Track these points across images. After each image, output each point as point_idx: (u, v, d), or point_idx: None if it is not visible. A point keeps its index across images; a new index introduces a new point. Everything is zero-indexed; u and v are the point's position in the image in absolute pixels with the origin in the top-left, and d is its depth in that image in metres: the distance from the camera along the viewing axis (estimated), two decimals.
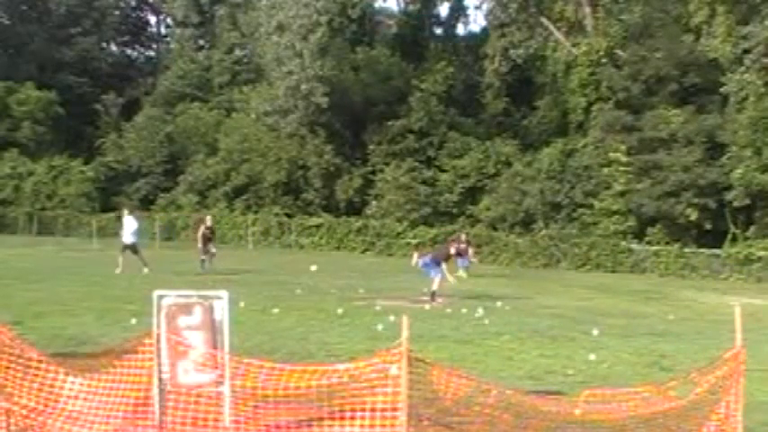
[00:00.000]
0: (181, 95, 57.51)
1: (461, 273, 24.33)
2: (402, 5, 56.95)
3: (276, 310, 17.06)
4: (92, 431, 7.41)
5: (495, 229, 40.72)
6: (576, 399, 7.70)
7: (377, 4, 58.35)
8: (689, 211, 35.80)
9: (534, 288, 25.77)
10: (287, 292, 21.13)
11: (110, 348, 8.07)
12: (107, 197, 52.16)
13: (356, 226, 42.96)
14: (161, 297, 7.14)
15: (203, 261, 26.52)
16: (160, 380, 7.12)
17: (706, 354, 11.58)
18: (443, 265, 20.66)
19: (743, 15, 37.34)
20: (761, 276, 32.20)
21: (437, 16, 56.10)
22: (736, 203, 35.24)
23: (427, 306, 19.01)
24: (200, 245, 27.24)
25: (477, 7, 73.10)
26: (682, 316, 19.77)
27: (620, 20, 43.23)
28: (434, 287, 20.17)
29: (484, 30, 53.48)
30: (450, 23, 56.23)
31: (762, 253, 32.85)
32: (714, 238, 35.68)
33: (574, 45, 43.75)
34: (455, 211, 43.88)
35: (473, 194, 43.86)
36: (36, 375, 7.62)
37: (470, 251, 26.70)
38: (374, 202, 45.67)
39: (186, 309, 7.12)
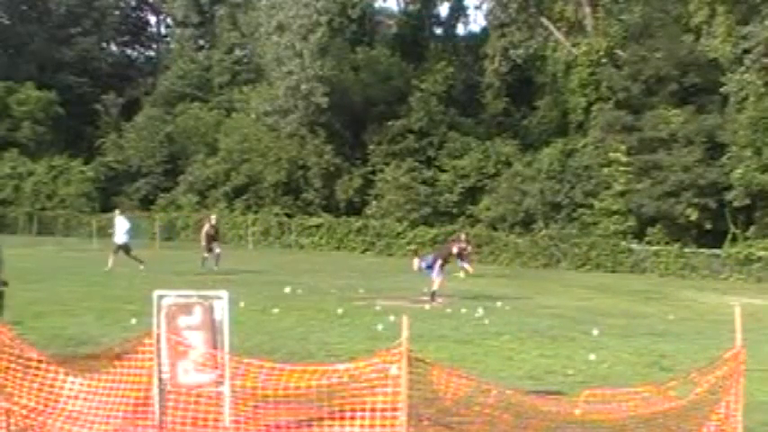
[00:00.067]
0: (181, 95, 57.53)
1: (461, 273, 24.34)
2: (402, 5, 57.00)
3: (276, 310, 17.06)
4: (92, 431, 7.41)
5: (495, 229, 40.72)
6: (576, 399, 7.70)
7: (377, 4, 58.44)
8: (689, 211, 35.81)
9: (534, 288, 25.77)
10: (287, 291, 21.12)
11: (110, 348, 8.06)
12: (107, 197, 52.17)
13: (356, 226, 42.96)
14: (161, 297, 7.14)
15: (205, 259, 26.43)
16: (160, 380, 7.12)
17: (706, 354, 11.58)
18: (444, 266, 20.69)
19: (743, 15, 37.35)
20: (761, 276, 32.20)
21: (437, 16, 56.13)
22: (736, 203, 35.24)
23: (427, 306, 19.01)
24: (203, 243, 27.18)
25: (477, 7, 73.11)
26: (682, 316, 19.77)
27: (620, 20, 43.25)
28: (435, 287, 20.17)
29: (484, 30, 53.49)
30: (450, 23, 56.24)
31: (762, 253, 32.86)
32: (714, 238, 35.68)
33: (574, 45, 43.76)
34: (455, 211, 43.89)
35: (473, 194, 43.87)
36: (36, 375, 7.62)
37: (469, 248, 26.64)
38: (374, 202, 45.67)
39: (186, 309, 7.11)
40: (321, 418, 7.08)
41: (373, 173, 46.60)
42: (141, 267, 24.56)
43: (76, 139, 57.13)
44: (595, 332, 15.46)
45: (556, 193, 40.01)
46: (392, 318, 15.10)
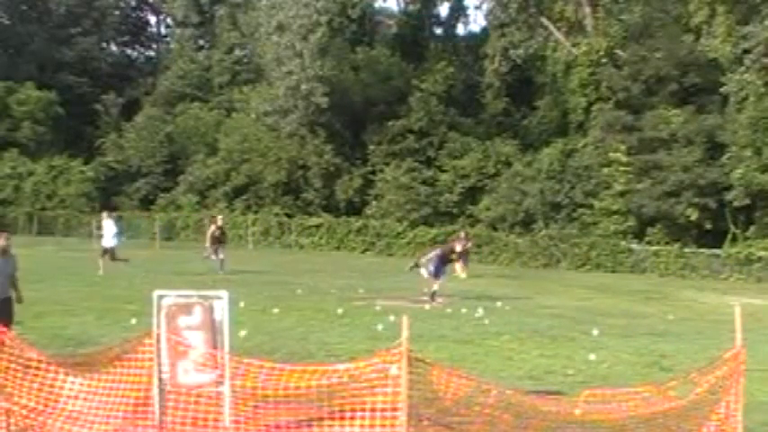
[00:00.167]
0: (181, 95, 57.53)
1: (462, 273, 24.34)
2: (402, 5, 57.01)
3: (276, 310, 17.07)
4: (92, 431, 7.41)
5: (495, 229, 40.71)
6: (576, 399, 7.70)
7: (377, 4, 58.46)
8: (689, 211, 35.80)
9: (534, 288, 25.77)
10: (287, 291, 21.14)
11: (110, 348, 8.06)
12: (107, 197, 52.14)
13: (356, 226, 42.96)
14: (161, 297, 7.14)
15: (219, 260, 26.19)
16: (160, 380, 7.12)
17: (706, 354, 11.59)
18: (445, 265, 20.72)
19: (743, 15, 37.36)
20: (761, 276, 32.19)
21: (437, 16, 56.13)
22: (736, 203, 35.24)
23: (427, 306, 19.01)
24: (207, 243, 27.02)
25: (477, 7, 73.27)
26: (682, 316, 19.77)
27: (620, 20, 43.25)
28: (435, 287, 20.18)
29: (484, 30, 53.50)
30: (450, 23, 56.25)
31: (762, 253, 32.85)
32: (714, 238, 35.68)
33: (574, 45, 43.76)
34: (455, 211, 43.88)
35: (473, 194, 43.86)
36: (36, 375, 7.62)
37: (469, 244, 26.62)
38: (374, 202, 45.67)
39: (186, 309, 7.12)
40: (321, 418, 7.09)
41: (373, 173, 46.60)
42: (126, 262, 24.55)
43: (76, 139, 57.13)
44: (595, 332, 15.47)
45: (556, 193, 40.00)
46: (392, 318, 15.10)
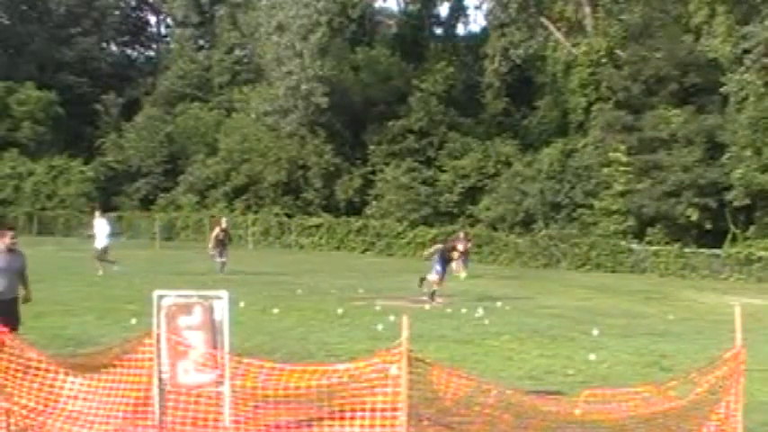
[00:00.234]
0: (181, 95, 57.54)
1: (462, 274, 24.35)
2: (402, 5, 57.02)
3: (276, 310, 17.06)
4: (92, 431, 7.41)
5: (495, 229, 40.72)
6: (576, 399, 7.70)
7: (377, 4, 58.51)
8: (689, 211, 35.80)
9: (534, 288, 25.77)
10: (287, 292, 21.14)
11: (110, 348, 8.06)
12: (107, 197, 52.14)
13: (356, 226, 42.96)
14: (161, 297, 7.14)
15: (214, 258, 26.05)
16: (160, 380, 7.12)
17: (706, 354, 11.59)
18: (447, 264, 20.74)
19: (743, 15, 37.36)
20: (761, 276, 32.20)
21: (437, 16, 56.16)
22: (736, 203, 35.24)
23: (427, 306, 19.01)
24: (210, 244, 26.95)
25: (477, 7, 73.35)
26: (682, 316, 19.76)
27: (620, 20, 43.24)
28: (434, 287, 20.19)
29: (484, 30, 53.53)
30: (450, 23, 56.27)
31: (762, 253, 32.86)
32: (714, 238, 35.68)
33: (574, 45, 43.76)
34: (455, 211, 43.89)
35: (473, 194, 43.87)
36: (36, 375, 7.62)
37: (469, 245, 26.65)
38: (374, 202, 45.67)
39: (186, 309, 7.11)
40: (321, 418, 7.08)
41: (373, 173, 46.61)
42: (115, 268, 24.03)
43: (76, 139, 57.12)
44: (595, 332, 15.46)
45: (556, 193, 40.01)
46: (392, 318, 15.10)
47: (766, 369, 11.40)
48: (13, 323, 9.67)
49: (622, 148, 37.93)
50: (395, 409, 6.46)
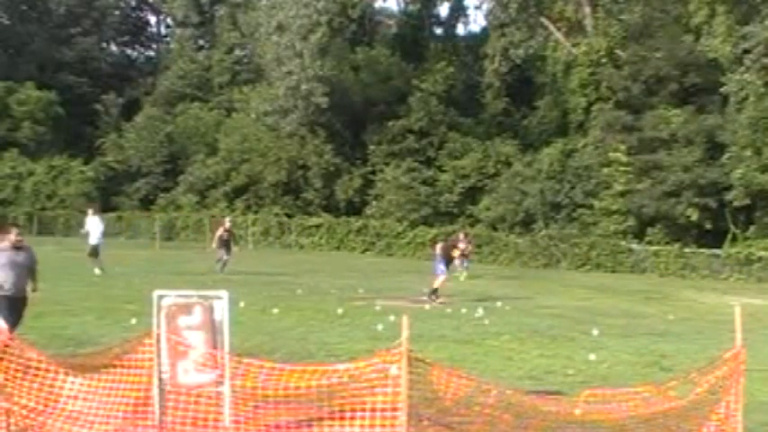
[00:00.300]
0: (181, 95, 57.55)
1: (462, 275, 24.36)
2: (402, 5, 57.05)
3: (276, 310, 17.06)
4: (92, 431, 7.41)
5: (495, 229, 40.73)
6: (576, 399, 7.70)
7: (377, 4, 58.51)
8: (689, 211, 35.81)
9: (534, 288, 25.77)
10: (287, 292, 21.14)
11: (110, 348, 8.06)
12: (107, 197, 52.18)
13: (356, 226, 42.97)
14: (161, 297, 7.14)
15: (223, 261, 26.04)
16: (160, 380, 7.12)
17: (706, 354, 11.58)
18: (448, 264, 20.78)
19: (743, 15, 37.37)
20: (761, 276, 32.20)
21: (437, 16, 56.18)
22: (736, 203, 35.25)
23: (427, 306, 19.01)
24: (214, 245, 26.88)
25: (477, 7, 73.31)
26: (682, 316, 19.76)
27: (620, 20, 43.26)
28: (436, 285, 20.21)
29: (484, 30, 53.54)
30: (450, 23, 56.29)
31: (762, 253, 32.86)
32: (714, 238, 35.68)
33: (574, 45, 43.77)
34: (455, 211, 43.90)
35: (473, 194, 43.88)
36: (36, 375, 7.62)
37: (470, 247, 26.68)
38: (374, 202, 45.67)
39: (186, 309, 7.11)
40: (321, 418, 7.08)
41: (373, 173, 46.61)
42: (97, 271, 23.63)
43: (76, 139, 57.14)
44: (595, 332, 15.46)
45: (556, 193, 40.01)
46: (392, 318, 15.10)
47: (766, 369, 11.39)
48: (17, 318, 9.70)
49: (622, 148, 37.94)
50: (395, 409, 6.46)
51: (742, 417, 7.31)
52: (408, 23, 54.36)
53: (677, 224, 36.40)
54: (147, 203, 51.86)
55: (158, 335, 7.09)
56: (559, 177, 40.34)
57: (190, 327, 7.07)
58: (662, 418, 7.36)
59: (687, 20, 40.03)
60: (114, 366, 7.46)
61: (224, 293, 7.17)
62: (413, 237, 40.72)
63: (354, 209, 46.37)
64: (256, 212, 47.18)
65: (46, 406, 7.58)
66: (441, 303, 19.48)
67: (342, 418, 6.80)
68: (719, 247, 34.77)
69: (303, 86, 45.09)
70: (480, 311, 17.84)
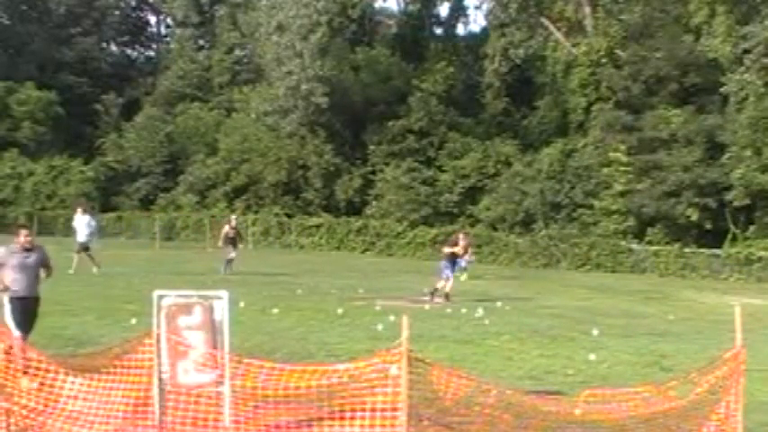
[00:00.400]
0: (181, 95, 57.55)
1: (462, 274, 24.37)
2: (402, 5, 57.02)
3: (276, 310, 17.06)
4: (92, 431, 7.41)
5: (495, 229, 40.71)
6: (576, 399, 7.70)
7: (377, 4, 58.47)
8: (689, 211, 35.79)
9: (534, 288, 25.77)
10: (287, 292, 21.14)
11: (110, 348, 8.06)
12: (107, 197, 52.18)
13: (356, 226, 42.95)
14: (161, 297, 7.14)
15: (229, 261, 25.96)
16: (160, 380, 7.12)
17: (706, 354, 11.59)
18: (453, 264, 20.82)
19: (743, 15, 37.37)
20: (761, 276, 32.19)
21: (437, 16, 56.17)
22: (736, 203, 35.23)
23: (427, 306, 19.02)
24: (220, 243, 26.85)
25: (477, 7, 73.38)
26: (682, 316, 19.76)
27: (620, 20, 43.25)
28: (438, 285, 20.23)
29: (484, 30, 53.53)
30: (450, 23, 56.27)
31: (762, 253, 32.85)
32: (714, 238, 35.67)
33: (574, 45, 43.76)
34: (455, 211, 43.88)
35: (473, 194, 43.86)
36: (36, 375, 7.62)
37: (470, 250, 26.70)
38: (374, 202, 45.66)
39: (186, 309, 7.11)
40: (321, 418, 7.09)
41: (373, 173, 46.60)
42: (71, 271, 23.36)
43: (76, 139, 57.13)
44: (595, 332, 15.46)
45: (556, 193, 40.00)
46: (392, 318, 15.10)
47: (766, 369, 11.40)
48: (30, 323, 9.65)
49: (622, 148, 37.93)
50: (395, 409, 6.46)
51: (742, 417, 7.32)
52: (408, 23, 54.35)
53: (677, 224, 36.39)
54: (147, 203, 51.86)
55: (158, 335, 7.09)
56: (559, 177, 40.32)
57: (190, 327, 7.08)
58: (662, 418, 7.36)
59: (687, 20, 40.02)
60: (114, 366, 7.47)
61: (224, 293, 7.18)
62: (413, 237, 40.72)
63: (354, 209, 46.36)
64: (256, 212, 47.18)
65: (46, 406, 7.59)
66: (437, 303, 19.50)
67: (342, 418, 6.81)
68: (719, 247, 34.75)
69: (303, 86, 45.08)
70: (480, 311, 17.84)
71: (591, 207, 38.90)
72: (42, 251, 10.04)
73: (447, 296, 20.11)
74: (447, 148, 45.60)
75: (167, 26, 70.81)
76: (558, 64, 44.95)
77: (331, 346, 13.11)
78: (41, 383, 7.63)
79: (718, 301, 23.14)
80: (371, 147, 46.78)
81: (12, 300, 9.53)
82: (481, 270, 30.24)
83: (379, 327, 14.46)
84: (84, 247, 24.86)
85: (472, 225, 41.14)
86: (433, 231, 39.91)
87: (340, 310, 17.28)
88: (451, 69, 48.24)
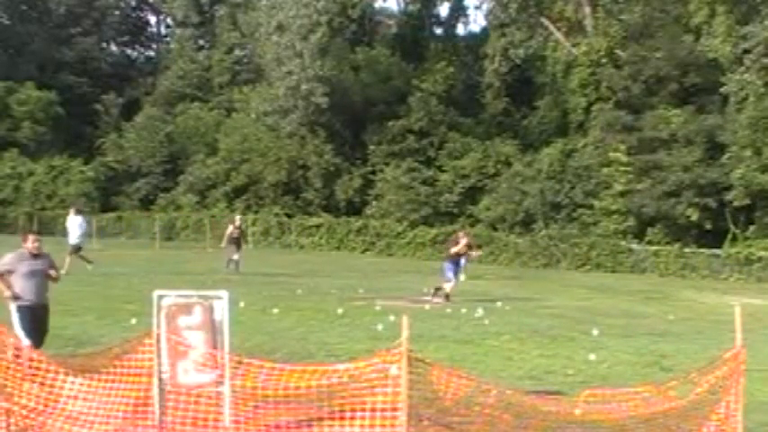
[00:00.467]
0: (181, 95, 57.55)
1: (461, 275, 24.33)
2: (402, 5, 57.01)
3: (276, 310, 17.06)
4: (92, 431, 7.41)
5: (495, 229, 40.70)
6: (576, 399, 7.70)
7: (377, 4, 58.46)
8: (689, 211, 35.79)
9: (534, 288, 25.77)
10: (287, 292, 21.14)
11: (110, 348, 8.06)
12: (107, 197, 52.18)
13: (356, 226, 42.95)
14: (161, 297, 7.14)
15: (234, 261, 25.87)
16: (160, 380, 7.12)
17: (706, 354, 11.59)
18: (457, 264, 20.83)
19: (743, 15, 37.37)
20: (761, 276, 32.18)
21: (437, 16, 56.15)
22: (736, 203, 35.23)
23: (427, 306, 19.02)
24: (223, 243, 26.83)
25: (477, 7, 73.35)
26: (682, 316, 19.76)
27: (620, 20, 43.24)
28: (444, 285, 20.24)
29: (484, 30, 53.53)
30: (450, 23, 56.26)
31: (762, 253, 32.85)
32: (714, 238, 35.66)
33: (574, 45, 43.76)
34: (455, 211, 43.86)
35: (473, 194, 43.85)
36: (36, 375, 7.62)
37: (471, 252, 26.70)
38: (374, 202, 45.66)
39: (186, 309, 7.11)
40: (321, 418, 7.09)
41: (373, 173, 46.59)
42: (62, 271, 23.53)
43: (76, 139, 57.13)
44: (595, 332, 15.46)
45: (556, 193, 39.99)
46: (392, 318, 15.10)
47: (766, 369, 11.40)
48: (41, 332, 9.52)
49: (622, 148, 37.92)
50: (395, 409, 6.46)
51: (742, 417, 7.31)
52: (408, 23, 54.34)
53: (677, 224, 36.39)
54: (147, 203, 51.85)
55: (158, 335, 7.09)
56: (559, 177, 40.32)
57: (190, 327, 7.08)
58: (662, 418, 7.36)
59: (687, 20, 40.02)
60: (114, 366, 7.46)
61: (224, 293, 7.18)
62: (413, 237, 40.72)
63: (354, 209, 46.36)
64: (256, 212, 47.17)
65: (46, 406, 7.59)
66: (436, 303, 19.50)
67: (342, 418, 6.81)
68: (719, 247, 34.75)
69: (303, 86, 45.08)
70: (480, 311, 17.84)
71: (591, 207, 38.90)
72: (49, 258, 9.97)
73: (447, 296, 20.13)
74: (447, 148, 45.59)
75: (167, 26, 70.85)
76: (558, 64, 44.94)
77: (331, 346, 13.12)
78: (41, 384, 7.63)
79: (718, 301, 23.14)
80: (371, 147, 46.78)
81: (20, 308, 9.43)
82: (481, 270, 30.23)
83: (379, 327, 14.46)
84: (77, 249, 24.73)
85: (472, 225, 41.12)
86: (433, 231, 39.91)
87: (340, 310, 17.29)
88: (451, 69, 48.24)
